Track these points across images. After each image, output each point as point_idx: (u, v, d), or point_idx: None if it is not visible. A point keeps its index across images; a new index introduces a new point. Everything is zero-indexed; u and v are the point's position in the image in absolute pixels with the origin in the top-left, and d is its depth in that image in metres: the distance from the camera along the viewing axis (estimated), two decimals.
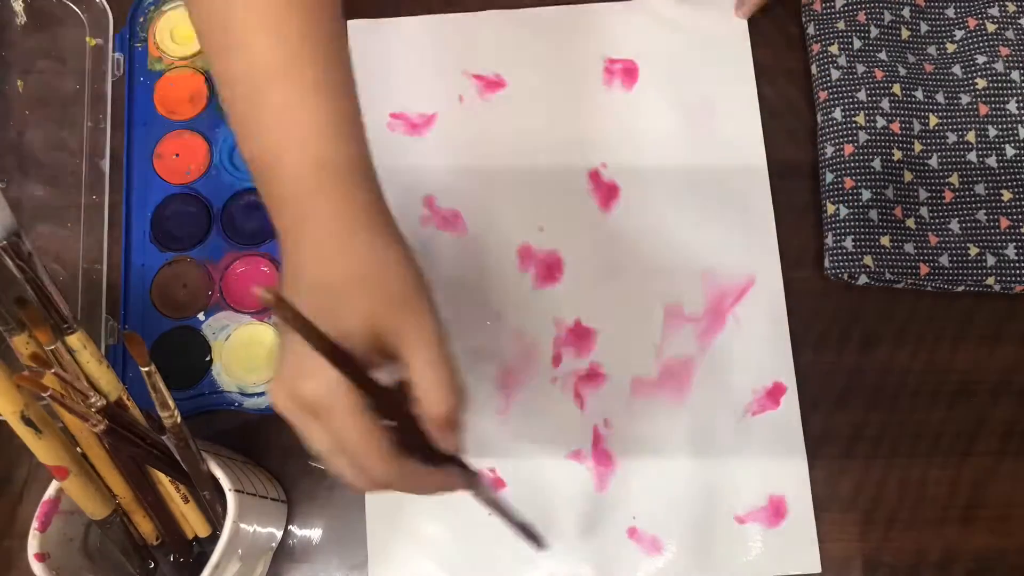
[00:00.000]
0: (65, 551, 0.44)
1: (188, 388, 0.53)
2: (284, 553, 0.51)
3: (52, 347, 0.39)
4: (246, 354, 0.53)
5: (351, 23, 0.59)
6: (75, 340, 0.40)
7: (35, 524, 0.43)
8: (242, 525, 0.44)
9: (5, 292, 0.39)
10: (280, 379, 0.34)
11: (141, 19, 0.59)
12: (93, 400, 0.38)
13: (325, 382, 0.33)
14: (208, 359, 0.53)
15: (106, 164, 0.56)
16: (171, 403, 0.40)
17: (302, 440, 0.35)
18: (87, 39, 0.58)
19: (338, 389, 0.33)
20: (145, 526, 0.46)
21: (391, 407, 0.34)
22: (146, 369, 0.38)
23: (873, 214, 0.52)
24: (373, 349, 0.34)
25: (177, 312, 0.54)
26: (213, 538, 0.46)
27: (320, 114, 0.36)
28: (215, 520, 0.46)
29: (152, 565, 0.47)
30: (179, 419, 0.40)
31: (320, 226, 0.36)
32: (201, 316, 0.54)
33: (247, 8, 0.37)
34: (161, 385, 0.39)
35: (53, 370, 0.37)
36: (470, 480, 0.39)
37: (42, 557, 0.43)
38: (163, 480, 0.45)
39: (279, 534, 0.51)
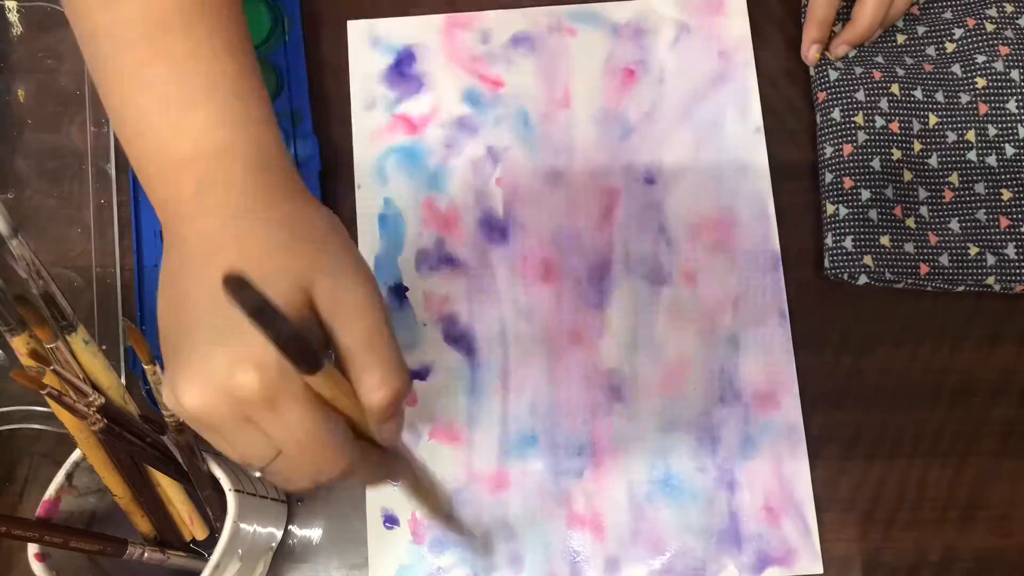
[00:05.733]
0: (65, 551, 0.44)
1: None
2: (284, 553, 0.51)
3: (52, 345, 0.39)
4: None
5: (351, 23, 0.59)
6: (76, 339, 0.40)
7: None
8: (242, 525, 0.44)
9: (5, 291, 0.39)
10: (198, 373, 0.28)
11: None
12: (92, 399, 0.38)
13: (274, 370, 0.27)
14: None
15: (112, 167, 0.56)
16: None
17: (219, 448, 0.30)
18: None
19: (290, 376, 0.28)
20: (144, 526, 0.46)
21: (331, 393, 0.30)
22: (149, 366, 0.38)
23: (873, 214, 0.52)
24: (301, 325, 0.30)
25: None
26: (212, 540, 0.46)
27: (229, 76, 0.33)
28: (214, 521, 0.46)
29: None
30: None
31: (235, 194, 0.31)
32: None
33: None
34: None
35: (52, 367, 0.37)
36: (411, 467, 0.37)
37: (42, 557, 0.43)
38: (163, 481, 0.45)
39: (279, 534, 0.51)
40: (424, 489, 0.41)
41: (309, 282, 0.29)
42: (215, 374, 0.28)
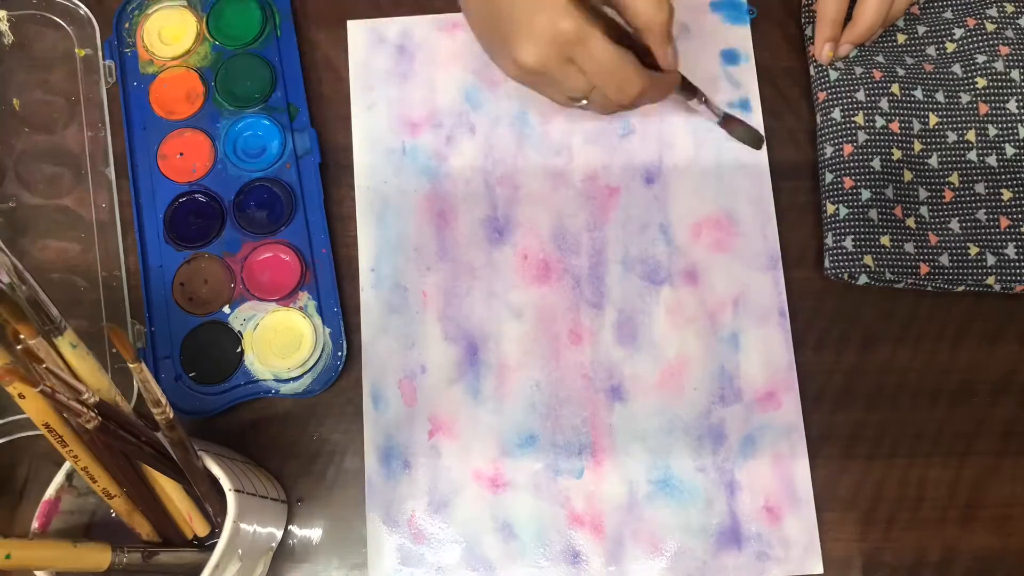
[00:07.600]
0: None
1: (223, 381, 0.53)
2: (284, 553, 0.51)
3: (33, 342, 0.38)
4: (276, 341, 0.53)
5: (351, 23, 0.59)
6: (63, 342, 0.40)
7: (35, 524, 0.44)
8: (242, 525, 0.44)
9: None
10: (529, 36, 0.43)
11: (127, 24, 0.58)
12: (86, 397, 0.38)
13: (578, 20, 0.42)
14: (239, 351, 0.53)
15: (111, 171, 0.56)
16: (163, 399, 0.40)
17: (550, 96, 0.49)
18: (76, 50, 0.58)
19: (590, 24, 0.42)
20: (143, 526, 0.46)
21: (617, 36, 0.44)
22: (132, 365, 0.38)
23: (873, 214, 0.52)
24: None
25: (202, 308, 0.54)
26: (213, 536, 0.46)
27: None
28: (214, 517, 0.46)
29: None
30: (171, 415, 0.40)
31: None
32: (226, 309, 0.54)
33: None
34: (151, 381, 0.39)
35: (44, 365, 0.37)
36: (681, 82, 0.51)
37: None
38: (161, 481, 0.45)
39: (279, 534, 0.51)
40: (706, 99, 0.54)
41: None
42: (542, 30, 0.43)
